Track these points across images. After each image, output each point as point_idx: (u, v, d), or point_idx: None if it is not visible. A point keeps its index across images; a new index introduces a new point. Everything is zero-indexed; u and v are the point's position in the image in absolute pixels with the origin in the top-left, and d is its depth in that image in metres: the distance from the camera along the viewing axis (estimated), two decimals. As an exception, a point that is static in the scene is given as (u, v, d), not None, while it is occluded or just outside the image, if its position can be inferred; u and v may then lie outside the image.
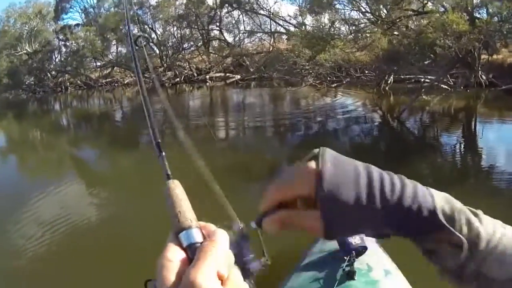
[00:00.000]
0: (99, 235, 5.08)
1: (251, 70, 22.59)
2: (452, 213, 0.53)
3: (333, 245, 2.57)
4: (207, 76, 24.65)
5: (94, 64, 27.41)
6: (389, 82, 12.90)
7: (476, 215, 0.54)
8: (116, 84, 25.84)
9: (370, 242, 2.46)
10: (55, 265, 4.42)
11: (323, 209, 0.52)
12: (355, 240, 2.30)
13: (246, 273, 0.50)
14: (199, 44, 26.76)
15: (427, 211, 0.52)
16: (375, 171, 0.53)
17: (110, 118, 16.18)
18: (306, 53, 13.88)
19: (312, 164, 0.53)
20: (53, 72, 26.28)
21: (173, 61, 25.63)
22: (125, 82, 25.66)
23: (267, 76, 19.71)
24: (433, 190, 0.54)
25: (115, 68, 26.35)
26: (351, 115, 10.92)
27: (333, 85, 13.56)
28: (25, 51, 24.48)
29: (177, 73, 25.13)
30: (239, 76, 23.32)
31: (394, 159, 6.73)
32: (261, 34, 25.16)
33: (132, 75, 24.59)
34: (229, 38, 26.53)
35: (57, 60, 27.46)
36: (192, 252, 0.47)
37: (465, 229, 0.52)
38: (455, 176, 6.32)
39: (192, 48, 26.98)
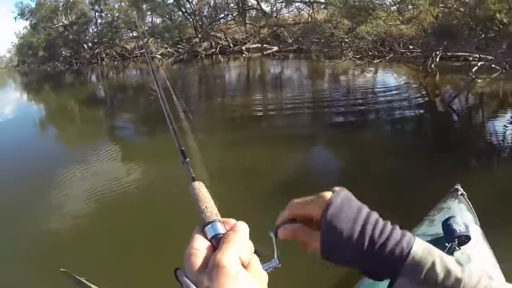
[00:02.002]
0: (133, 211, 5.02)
1: (289, 41, 21.79)
2: (425, 259, 0.58)
3: (437, 229, 2.49)
4: (243, 47, 24.04)
5: (131, 34, 27.32)
6: (436, 59, 11.92)
7: (460, 264, 0.59)
8: (151, 55, 25.65)
9: (476, 233, 2.37)
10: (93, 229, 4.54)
11: (322, 232, 0.61)
12: (459, 227, 2.16)
13: None
14: (235, 14, 26.04)
15: (404, 255, 0.59)
16: (374, 217, 0.61)
17: (146, 90, 16.03)
18: (345, 24, 13.05)
19: (328, 194, 0.63)
20: (89, 44, 26.36)
21: (208, 31, 25.10)
22: (159, 53, 25.45)
23: (305, 48, 18.93)
24: (417, 240, 0.60)
25: (151, 39, 26.15)
26: (393, 96, 10.11)
27: (375, 61, 12.72)
28: (61, 24, 24.57)
29: (213, 43, 24.65)
30: (276, 48, 22.60)
31: (441, 152, 6.10)
32: (299, 3, 24.13)
33: (165, 46, 24.32)
34: (265, 7, 25.64)
35: (93, 31, 27.51)
36: (217, 242, 0.51)
37: (441, 275, 0.57)
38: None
39: (228, 18, 26.33)
